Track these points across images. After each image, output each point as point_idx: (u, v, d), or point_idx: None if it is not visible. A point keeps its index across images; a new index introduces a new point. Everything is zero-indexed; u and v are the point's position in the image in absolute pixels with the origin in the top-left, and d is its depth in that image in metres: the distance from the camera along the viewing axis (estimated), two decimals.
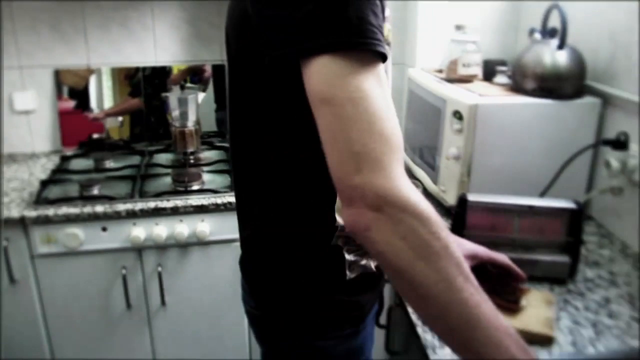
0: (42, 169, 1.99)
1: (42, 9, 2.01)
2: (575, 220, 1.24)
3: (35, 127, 2.15)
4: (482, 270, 1.02)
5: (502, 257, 1.05)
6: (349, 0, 0.65)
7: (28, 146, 2.16)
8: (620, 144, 1.41)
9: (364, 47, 0.66)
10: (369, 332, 1.01)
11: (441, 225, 0.65)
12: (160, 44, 2.13)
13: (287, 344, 0.97)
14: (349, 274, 0.90)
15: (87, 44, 2.08)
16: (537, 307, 1.13)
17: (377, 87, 0.66)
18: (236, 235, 1.68)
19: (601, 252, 1.42)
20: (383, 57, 0.68)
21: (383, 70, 0.69)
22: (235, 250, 1.74)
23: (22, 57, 2.06)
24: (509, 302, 1.08)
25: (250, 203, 0.95)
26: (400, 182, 0.64)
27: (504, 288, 1.07)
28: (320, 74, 0.65)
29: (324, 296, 0.91)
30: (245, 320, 1.86)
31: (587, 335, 1.08)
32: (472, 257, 1.01)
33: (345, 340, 0.96)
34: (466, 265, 0.66)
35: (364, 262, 0.91)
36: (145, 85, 2.21)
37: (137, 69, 2.15)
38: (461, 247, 1.00)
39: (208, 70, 2.19)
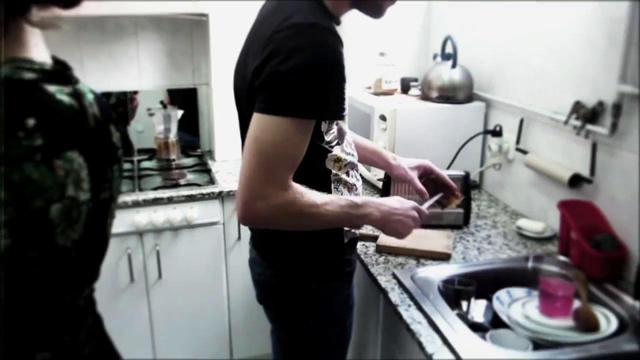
0: None
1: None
2: (465, 182, 1.80)
3: None
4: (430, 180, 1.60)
5: (440, 171, 1.60)
6: (300, 84, 1.06)
7: None
8: (496, 133, 2.00)
9: (296, 115, 1.08)
10: None
11: (318, 204, 1.17)
12: (143, 72, 2.59)
13: (303, 297, 1.34)
14: (345, 239, 1.34)
15: (83, 72, 2.52)
16: (440, 239, 1.67)
17: (300, 142, 1.12)
18: (217, 219, 2.15)
19: (489, 210, 1.99)
20: (322, 116, 1.16)
21: (302, 125, 1.11)
22: (217, 230, 2.22)
23: None
24: (439, 203, 1.60)
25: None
26: (283, 197, 1.12)
27: (444, 191, 1.60)
28: (255, 121, 1.11)
29: (333, 257, 1.34)
30: (224, 284, 2.32)
31: (472, 254, 1.63)
32: (417, 168, 1.56)
33: (345, 289, 1.40)
34: (318, 197, 1.18)
35: (352, 230, 1.37)
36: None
37: None
38: (409, 162, 1.58)
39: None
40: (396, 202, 1.35)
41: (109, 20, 2.48)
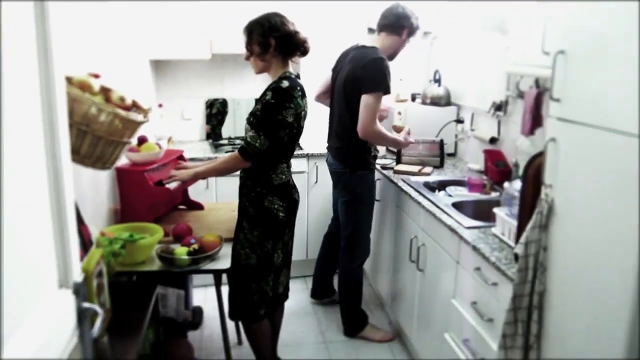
0: (200, 147, 4.12)
1: (196, 67, 4.20)
2: (441, 145, 3.48)
3: (192, 127, 4.30)
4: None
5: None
6: (384, 75, 2.89)
7: (187, 136, 4.30)
8: (460, 121, 3.69)
9: (380, 92, 2.90)
10: None
11: (386, 134, 3.00)
12: (260, 84, 4.32)
13: (353, 177, 3.10)
14: (372, 154, 3.12)
15: (223, 85, 4.27)
16: (425, 169, 3.34)
17: (378, 104, 2.92)
18: (304, 169, 3.82)
19: (456, 163, 3.66)
20: (385, 92, 2.95)
21: (380, 97, 2.94)
22: (304, 176, 3.91)
23: (189, 91, 4.23)
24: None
25: (339, 135, 3.12)
26: (378, 128, 2.93)
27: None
28: (366, 99, 2.89)
29: (367, 160, 3.10)
30: (305, 209, 3.98)
31: (444, 174, 3.30)
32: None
33: (371, 174, 3.15)
34: (391, 136, 3.05)
35: (374, 154, 3.14)
36: (212, 117, 4.39)
37: (207, 107, 4.31)
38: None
39: None
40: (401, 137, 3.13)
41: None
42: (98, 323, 1.19)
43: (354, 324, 3.33)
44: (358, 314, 3.34)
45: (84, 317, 1.16)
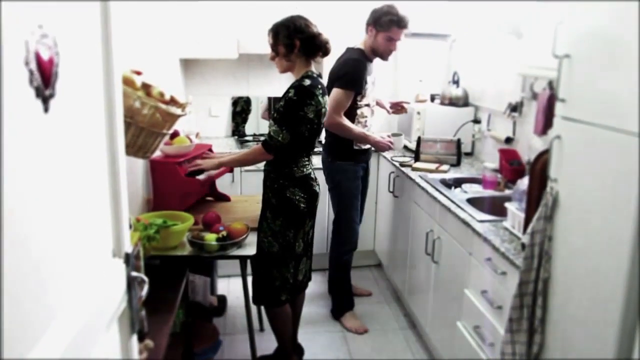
0: (227, 144, 4.30)
1: (224, 66, 4.37)
2: (458, 144, 3.60)
3: (219, 124, 4.47)
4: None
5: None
6: (356, 74, 3.19)
7: (214, 133, 4.48)
8: (477, 121, 3.81)
9: (348, 90, 3.15)
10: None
11: (350, 127, 3.22)
12: (279, 84, 4.47)
13: (341, 169, 3.36)
14: (357, 147, 3.32)
15: (248, 83, 4.44)
16: (442, 167, 3.47)
17: (346, 99, 3.19)
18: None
19: (473, 162, 3.78)
20: (357, 92, 3.23)
21: (349, 94, 3.22)
22: (320, 173, 4.06)
23: (216, 89, 4.40)
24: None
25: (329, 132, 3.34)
26: (340, 120, 3.19)
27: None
28: (335, 92, 3.15)
29: (353, 154, 3.32)
30: (327, 198, 4.14)
31: (460, 172, 3.42)
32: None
33: (358, 167, 3.37)
34: (357, 131, 3.26)
35: (359, 145, 3.34)
36: (236, 115, 4.55)
37: (232, 104, 4.49)
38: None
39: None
40: (378, 137, 3.31)
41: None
42: (145, 289, 1.35)
43: (339, 308, 3.59)
44: (345, 298, 3.59)
45: (132, 284, 1.32)
